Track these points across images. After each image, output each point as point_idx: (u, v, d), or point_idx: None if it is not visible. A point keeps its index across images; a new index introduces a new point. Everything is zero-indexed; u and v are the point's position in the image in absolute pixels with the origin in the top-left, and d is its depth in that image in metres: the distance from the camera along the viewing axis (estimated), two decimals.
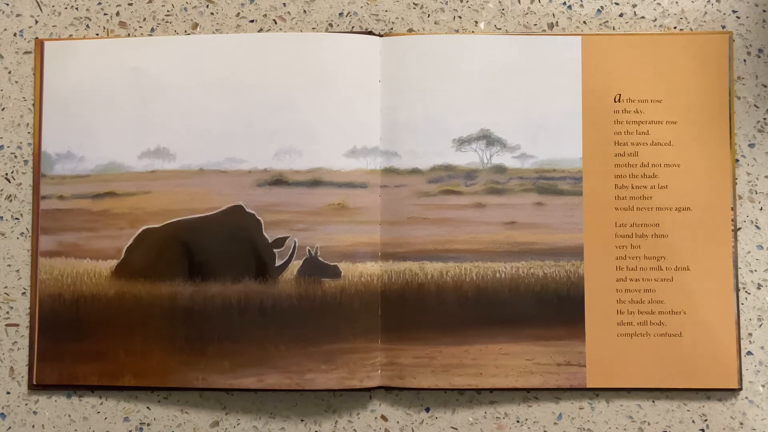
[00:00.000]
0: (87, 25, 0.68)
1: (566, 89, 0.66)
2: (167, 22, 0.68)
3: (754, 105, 0.67)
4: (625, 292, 0.65)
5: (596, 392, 0.65)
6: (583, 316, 0.64)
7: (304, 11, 0.68)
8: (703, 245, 0.65)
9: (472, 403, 0.65)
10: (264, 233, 0.65)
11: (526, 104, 0.66)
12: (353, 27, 0.68)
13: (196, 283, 0.65)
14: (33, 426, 0.66)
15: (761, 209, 0.66)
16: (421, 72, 0.66)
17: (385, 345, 0.64)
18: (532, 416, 0.65)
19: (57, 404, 0.66)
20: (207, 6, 0.68)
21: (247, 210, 0.65)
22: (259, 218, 0.65)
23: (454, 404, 0.65)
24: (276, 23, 0.68)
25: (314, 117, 0.65)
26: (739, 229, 0.66)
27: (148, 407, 0.66)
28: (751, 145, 0.66)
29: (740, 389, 0.64)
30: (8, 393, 0.66)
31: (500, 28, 0.68)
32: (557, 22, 0.68)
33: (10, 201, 0.67)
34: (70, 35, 0.68)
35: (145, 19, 0.68)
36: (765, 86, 0.67)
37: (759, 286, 0.65)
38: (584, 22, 0.67)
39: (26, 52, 0.68)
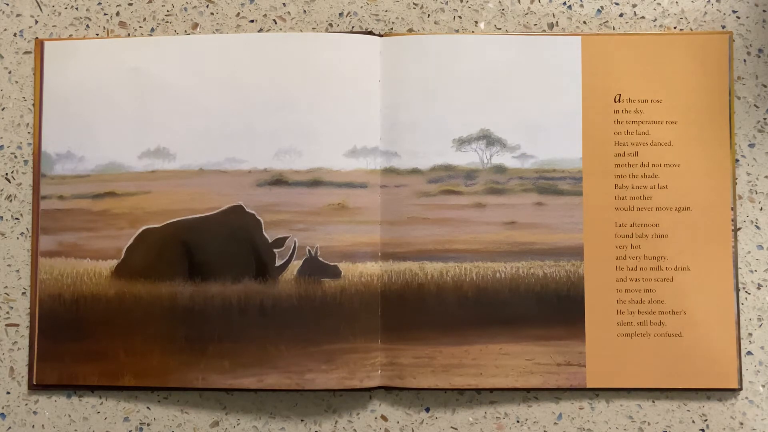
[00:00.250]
0: (87, 25, 0.68)
1: (566, 89, 0.66)
2: (167, 22, 0.68)
3: (754, 105, 0.67)
4: (625, 292, 0.65)
5: (596, 392, 0.65)
6: (583, 316, 0.64)
7: (304, 11, 0.68)
8: (703, 245, 0.65)
9: (472, 403, 0.65)
10: (264, 233, 0.65)
11: (526, 104, 0.66)
12: (353, 27, 0.68)
13: (196, 283, 0.65)
14: (33, 426, 0.66)
15: (761, 209, 0.66)
16: (421, 72, 0.66)
17: (385, 345, 0.64)
18: (532, 416, 0.65)
19: (57, 404, 0.66)
20: (207, 6, 0.68)
21: (247, 210, 0.65)
22: (259, 218, 0.65)
23: (454, 404, 0.65)
24: (276, 23, 0.68)
25: (314, 117, 0.65)
26: (739, 229, 0.66)
27: (148, 407, 0.66)
28: (751, 145, 0.66)
29: (740, 389, 0.64)
30: (8, 393, 0.66)
31: (500, 28, 0.68)
32: (557, 22, 0.68)
33: (10, 201, 0.67)
34: (70, 35, 0.68)
35: (145, 19, 0.68)
36: (765, 86, 0.67)
37: (759, 286, 0.65)
38: (584, 22, 0.67)
39: (26, 52, 0.68)
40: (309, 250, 0.65)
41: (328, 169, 0.65)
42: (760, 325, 0.65)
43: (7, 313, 0.66)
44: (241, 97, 0.66)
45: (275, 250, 0.65)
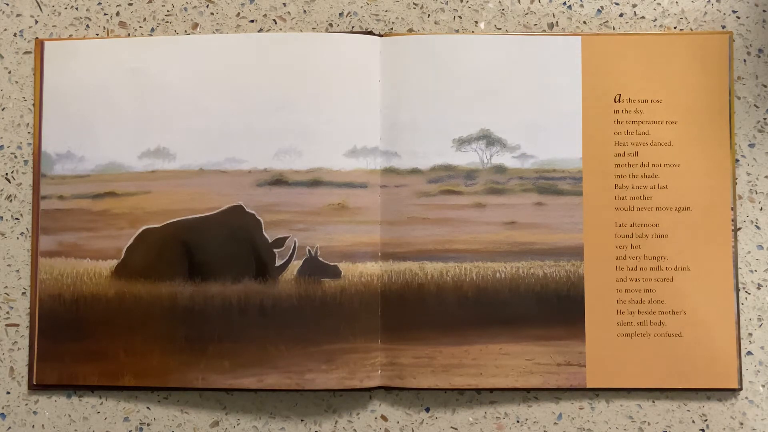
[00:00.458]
0: (87, 25, 0.68)
1: (566, 89, 0.66)
2: (167, 22, 0.68)
3: (754, 105, 0.67)
4: (625, 292, 0.65)
5: (596, 392, 0.65)
6: (583, 316, 0.64)
7: (304, 11, 0.68)
8: (703, 245, 0.65)
9: (472, 403, 0.65)
10: (264, 233, 0.65)
11: (526, 104, 0.66)
12: (353, 27, 0.68)
13: (196, 283, 0.65)
14: (33, 426, 0.66)
15: (761, 209, 0.66)
16: (421, 72, 0.66)
17: (385, 345, 0.64)
18: (532, 416, 0.65)
19: (57, 404, 0.66)
20: (207, 6, 0.68)
21: (247, 210, 0.65)
22: (259, 218, 0.65)
23: (454, 404, 0.65)
24: (276, 23, 0.68)
25: (314, 117, 0.65)
26: (739, 229, 0.66)
27: (148, 407, 0.66)
28: (751, 145, 0.66)
29: (740, 389, 0.64)
30: (8, 393, 0.66)
31: (500, 28, 0.68)
32: (557, 22, 0.68)
33: (10, 201, 0.67)
34: (70, 35, 0.68)
35: (145, 19, 0.68)
36: (765, 86, 0.67)
37: (759, 286, 0.65)
38: (584, 22, 0.67)
39: (26, 52, 0.68)
40: (309, 250, 0.65)
41: (328, 169, 0.65)
42: (760, 325, 0.65)
43: (7, 313, 0.66)
44: (241, 97, 0.66)
45: (275, 250, 0.65)
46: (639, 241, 0.65)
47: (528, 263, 0.65)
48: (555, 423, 0.65)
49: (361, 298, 0.64)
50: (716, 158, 0.65)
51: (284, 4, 0.68)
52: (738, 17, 0.67)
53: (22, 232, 0.67)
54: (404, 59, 0.66)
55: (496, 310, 0.64)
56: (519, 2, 0.68)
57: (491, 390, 0.65)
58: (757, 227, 0.66)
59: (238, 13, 0.68)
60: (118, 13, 0.68)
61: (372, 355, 0.64)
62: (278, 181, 0.65)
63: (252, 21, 0.68)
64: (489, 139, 0.65)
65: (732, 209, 0.65)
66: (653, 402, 0.65)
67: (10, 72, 0.68)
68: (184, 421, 0.66)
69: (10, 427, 0.66)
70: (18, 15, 0.68)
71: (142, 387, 0.65)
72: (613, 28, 0.67)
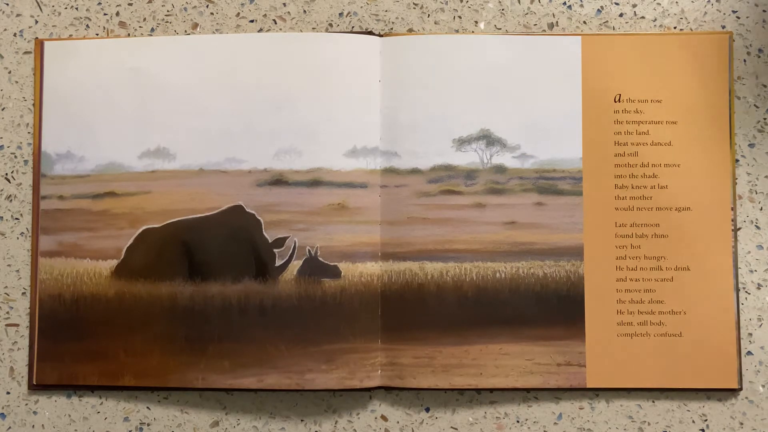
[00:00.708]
0: (87, 25, 0.68)
1: (566, 89, 0.66)
2: (167, 22, 0.68)
3: (754, 105, 0.67)
4: (625, 292, 0.65)
5: (596, 392, 0.65)
6: (583, 316, 0.64)
7: (304, 11, 0.68)
8: (703, 245, 0.65)
9: (472, 403, 0.65)
10: (264, 233, 0.65)
11: (526, 104, 0.66)
12: (353, 27, 0.68)
13: (196, 283, 0.65)
14: (33, 426, 0.66)
15: (761, 209, 0.66)
16: (421, 72, 0.66)
17: (385, 345, 0.64)
18: (532, 416, 0.65)
19: (57, 404, 0.66)
20: (207, 6, 0.68)
21: (247, 210, 0.65)
22: (259, 218, 0.65)
23: (454, 404, 0.65)
24: (276, 23, 0.68)
25: (314, 117, 0.65)
26: (739, 229, 0.66)
27: (148, 407, 0.66)
28: (751, 145, 0.66)
29: (740, 389, 0.64)
30: (8, 393, 0.66)
31: (500, 28, 0.68)
32: (557, 22, 0.68)
33: (10, 201, 0.67)
34: (70, 35, 0.68)
35: (145, 19, 0.68)
36: (765, 86, 0.67)
37: (759, 286, 0.65)
38: (584, 22, 0.67)
39: (26, 52, 0.68)
40: (309, 250, 0.65)
41: (328, 169, 0.65)
42: (760, 325, 0.65)
43: (7, 313, 0.66)
44: (241, 97, 0.66)
45: (275, 250, 0.65)
46: (639, 241, 0.65)
47: (528, 263, 0.65)
48: (555, 423, 0.65)
49: (361, 298, 0.64)
50: (716, 158, 0.65)
51: (284, 4, 0.68)
52: (738, 17, 0.67)
53: (22, 232, 0.67)
54: (404, 59, 0.66)
55: (496, 310, 0.64)
56: (519, 2, 0.68)
57: (491, 390, 0.65)
58: (757, 227, 0.66)
59: (238, 13, 0.68)
60: (118, 13, 0.68)
61: (372, 355, 0.64)
62: (278, 181, 0.65)
63: (252, 21, 0.68)
64: (489, 139, 0.65)
65: (732, 209, 0.65)
66: (653, 402, 0.65)
67: (10, 72, 0.68)
68: (184, 421, 0.66)
69: (10, 427, 0.66)
70: (18, 15, 0.68)
71: (142, 387, 0.65)
72: (613, 28, 0.67)
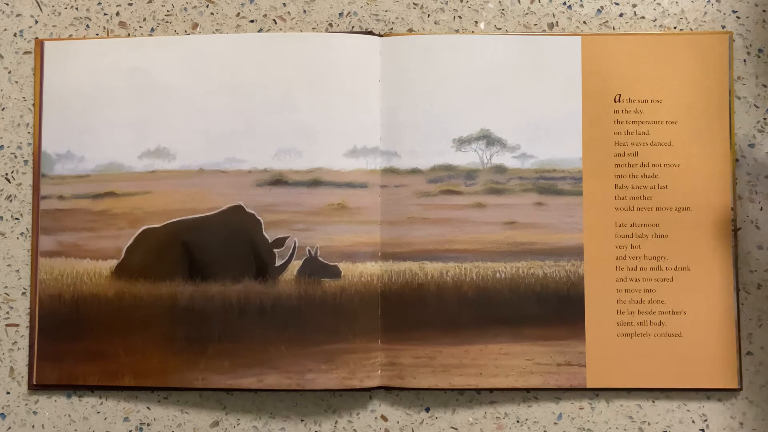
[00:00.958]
0: (87, 25, 0.68)
1: (566, 89, 0.66)
2: (167, 22, 0.68)
3: (754, 105, 0.67)
4: (625, 292, 0.65)
5: (596, 392, 0.65)
6: (583, 316, 0.64)
7: (304, 11, 0.68)
8: (703, 245, 0.65)
9: (472, 403, 0.65)
10: (264, 233, 0.65)
11: (526, 104, 0.66)
12: (353, 27, 0.68)
13: (196, 283, 0.65)
14: (33, 426, 0.66)
15: (761, 209, 0.66)
16: (421, 72, 0.66)
17: (385, 345, 0.64)
18: (532, 416, 0.65)
19: (57, 404, 0.66)
20: (207, 6, 0.68)
21: (247, 210, 0.65)
22: (259, 218, 0.65)
23: (454, 404, 0.65)
24: (276, 23, 0.68)
25: (314, 117, 0.65)
26: (739, 229, 0.66)
27: (148, 407, 0.66)
28: (751, 145, 0.66)
29: (740, 389, 0.64)
30: (8, 393, 0.66)
31: (500, 28, 0.68)
32: (557, 22, 0.68)
33: (10, 201, 0.67)
34: (70, 35, 0.68)
35: (145, 19, 0.68)
36: (765, 86, 0.67)
37: (759, 286, 0.65)
38: (584, 22, 0.67)
39: (26, 52, 0.68)
40: (309, 250, 0.65)
41: (328, 169, 0.65)
42: (760, 325, 0.65)
43: (7, 313, 0.66)
44: (241, 97, 0.66)
45: (275, 250, 0.65)
46: (639, 241, 0.65)
47: (528, 263, 0.65)
48: (555, 423, 0.65)
49: (361, 298, 0.64)
50: (716, 158, 0.65)
51: (284, 4, 0.68)
52: (738, 17, 0.67)
53: (22, 232, 0.67)
54: (404, 59, 0.66)
55: (496, 310, 0.64)
56: (519, 2, 0.68)
57: (491, 390, 0.65)
58: (757, 227, 0.66)
59: (238, 13, 0.68)
60: (118, 13, 0.68)
61: (372, 355, 0.64)
62: (278, 181, 0.65)
63: (252, 21, 0.68)
64: (489, 139, 0.65)
65: (732, 209, 0.65)
66: (653, 402, 0.65)
67: (10, 72, 0.68)
68: (184, 421, 0.66)
69: (10, 427, 0.66)
70: (18, 15, 0.68)
71: (142, 387, 0.65)
72: (613, 28, 0.67)
